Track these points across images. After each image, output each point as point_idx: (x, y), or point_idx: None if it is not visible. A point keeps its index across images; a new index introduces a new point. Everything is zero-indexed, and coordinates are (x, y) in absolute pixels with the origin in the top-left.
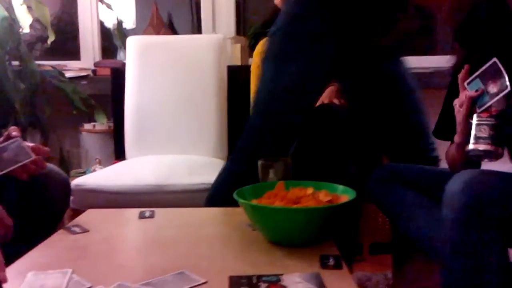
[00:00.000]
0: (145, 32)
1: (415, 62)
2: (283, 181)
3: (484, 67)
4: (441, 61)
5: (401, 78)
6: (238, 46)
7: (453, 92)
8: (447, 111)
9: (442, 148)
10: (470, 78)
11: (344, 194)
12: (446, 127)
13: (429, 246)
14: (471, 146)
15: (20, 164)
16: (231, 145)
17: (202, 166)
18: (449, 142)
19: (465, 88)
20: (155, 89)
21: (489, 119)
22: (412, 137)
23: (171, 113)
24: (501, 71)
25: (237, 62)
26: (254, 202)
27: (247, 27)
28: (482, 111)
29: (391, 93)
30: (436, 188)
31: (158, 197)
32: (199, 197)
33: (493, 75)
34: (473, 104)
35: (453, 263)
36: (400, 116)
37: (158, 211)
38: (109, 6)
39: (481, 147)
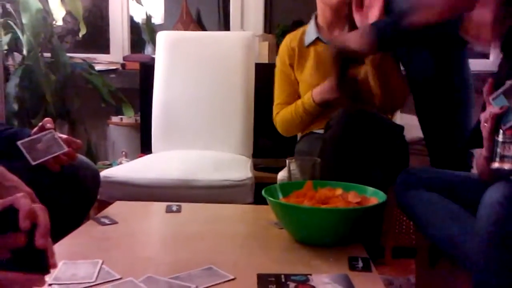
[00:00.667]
0: (174, 27)
1: None
2: (312, 181)
3: (509, 83)
4: (473, 65)
5: (461, 71)
6: (266, 44)
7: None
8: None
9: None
10: (496, 94)
11: (373, 197)
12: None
13: (459, 254)
14: (496, 165)
15: (53, 155)
16: (256, 143)
17: (228, 163)
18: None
19: (490, 103)
20: (183, 84)
21: None
22: (452, 136)
23: (198, 108)
24: None
25: (265, 60)
26: (283, 201)
27: (275, 25)
28: (507, 129)
29: (445, 83)
30: (463, 193)
31: (184, 192)
32: (223, 194)
33: None
34: (498, 121)
35: (487, 277)
36: (446, 111)
37: (185, 205)
38: (138, 1)
39: (507, 166)
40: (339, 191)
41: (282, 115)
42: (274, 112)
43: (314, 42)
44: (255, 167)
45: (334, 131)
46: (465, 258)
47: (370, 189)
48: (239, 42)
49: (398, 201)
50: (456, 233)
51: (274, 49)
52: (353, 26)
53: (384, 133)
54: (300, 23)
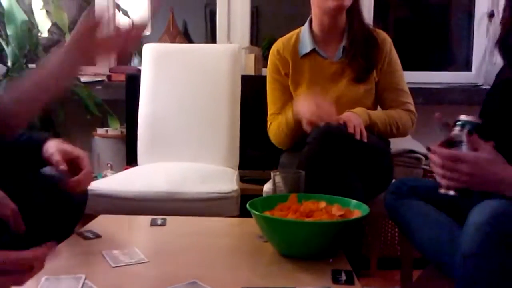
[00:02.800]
0: (160, 39)
1: (429, 78)
2: (296, 194)
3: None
4: (456, 77)
5: None
6: (252, 56)
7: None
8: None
9: None
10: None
11: (357, 209)
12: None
13: (445, 262)
14: (442, 190)
15: None
16: (243, 155)
17: (213, 175)
18: None
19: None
20: (169, 96)
21: None
22: None
23: (184, 120)
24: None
25: (251, 72)
26: (267, 214)
27: (261, 37)
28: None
29: None
30: (453, 204)
31: (170, 205)
32: (209, 206)
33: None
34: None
35: None
36: None
37: (170, 219)
38: (125, 13)
39: (451, 192)
40: (323, 204)
41: (273, 127)
42: (268, 123)
43: (309, 54)
44: (242, 179)
45: (310, 148)
46: (451, 267)
47: (354, 201)
48: (225, 54)
49: (388, 210)
50: (443, 242)
51: (260, 61)
52: (353, 36)
53: (364, 150)
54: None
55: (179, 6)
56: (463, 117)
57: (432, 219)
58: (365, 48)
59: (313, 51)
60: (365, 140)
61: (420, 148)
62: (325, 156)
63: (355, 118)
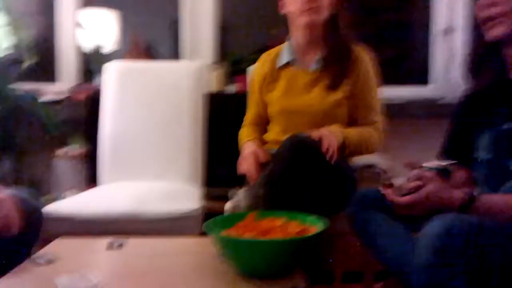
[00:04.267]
0: (124, 57)
1: (389, 93)
2: (254, 212)
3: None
4: (415, 92)
5: None
6: (219, 72)
7: (463, 113)
8: (456, 134)
9: None
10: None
11: (316, 225)
12: (455, 150)
13: (406, 275)
14: None
15: None
16: (210, 171)
17: (176, 194)
18: None
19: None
20: (131, 114)
21: None
22: None
23: (147, 139)
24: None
25: (216, 89)
26: (224, 233)
27: (228, 53)
28: None
29: None
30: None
31: (131, 225)
32: (171, 226)
33: None
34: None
35: None
36: None
37: (129, 240)
38: (87, 30)
39: None
40: (280, 222)
41: (241, 132)
42: (244, 121)
43: (286, 65)
44: (210, 196)
45: (278, 162)
46: (410, 278)
47: (313, 217)
48: (188, 71)
49: (349, 222)
50: (402, 253)
51: (225, 78)
52: (329, 48)
53: (326, 167)
54: (265, 50)
55: (144, 23)
56: (427, 165)
57: (392, 230)
58: (340, 59)
59: (290, 62)
60: (332, 163)
61: (380, 162)
62: (293, 169)
63: (331, 138)
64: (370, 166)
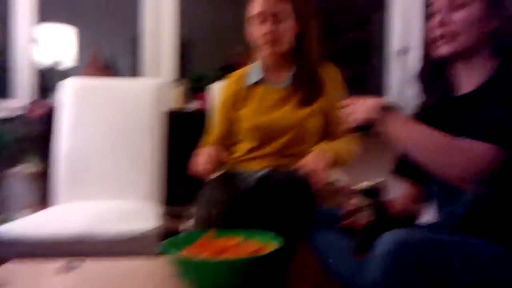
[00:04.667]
0: (84, 73)
1: None
2: (213, 231)
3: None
4: None
5: None
6: (180, 89)
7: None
8: None
9: None
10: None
11: (272, 243)
12: (407, 164)
13: None
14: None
15: None
16: (170, 189)
17: (134, 213)
18: None
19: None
20: (90, 132)
21: None
22: None
23: (105, 157)
24: None
25: (178, 106)
26: (181, 253)
27: (190, 70)
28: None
29: None
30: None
31: (87, 246)
32: (129, 246)
33: None
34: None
35: None
36: None
37: (84, 262)
38: (43, 46)
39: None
40: (237, 240)
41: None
42: (205, 141)
43: (257, 84)
44: (170, 215)
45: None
46: None
47: (272, 235)
48: (149, 89)
49: (308, 240)
50: (356, 270)
51: (188, 95)
52: (298, 66)
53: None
54: (228, 68)
55: (105, 39)
56: (362, 184)
57: (346, 248)
58: (310, 76)
59: (261, 80)
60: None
61: (340, 178)
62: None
63: (319, 164)
64: (332, 182)
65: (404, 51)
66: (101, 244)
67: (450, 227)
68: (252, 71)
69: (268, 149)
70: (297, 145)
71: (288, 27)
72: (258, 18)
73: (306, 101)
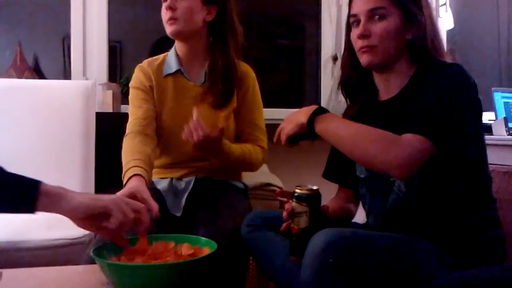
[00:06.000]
0: (6, 74)
1: (284, 115)
2: (146, 236)
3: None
4: None
5: None
6: (110, 92)
7: None
8: (335, 154)
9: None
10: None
11: (206, 247)
12: (335, 169)
13: None
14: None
15: None
16: (98, 193)
17: (63, 219)
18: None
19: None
20: (14, 136)
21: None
22: None
23: (33, 161)
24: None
25: (109, 108)
26: (114, 259)
27: (124, 73)
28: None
29: None
30: None
31: (11, 256)
32: (58, 254)
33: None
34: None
35: None
36: None
37: (7, 272)
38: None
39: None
40: (171, 245)
41: (125, 146)
42: (127, 131)
43: (173, 74)
44: None
45: None
46: None
47: (203, 239)
48: (77, 91)
49: (244, 242)
50: (293, 272)
51: (119, 98)
52: (211, 62)
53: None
54: None
55: (30, 38)
56: (298, 190)
57: (283, 249)
58: (225, 75)
59: (177, 71)
60: None
61: (276, 181)
62: None
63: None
64: (267, 185)
65: (334, 58)
66: (27, 253)
67: (379, 226)
68: (169, 60)
69: (177, 155)
70: None
71: (191, 6)
72: None
73: (220, 105)
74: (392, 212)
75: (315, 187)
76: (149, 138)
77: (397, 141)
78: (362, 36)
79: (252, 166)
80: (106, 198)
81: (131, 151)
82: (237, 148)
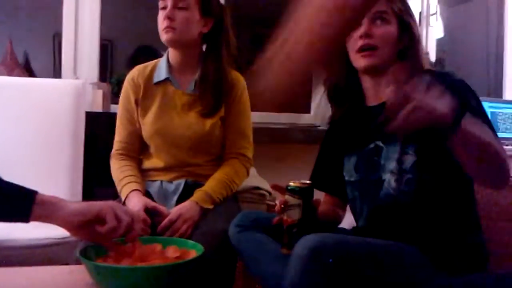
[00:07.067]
0: None
1: (275, 118)
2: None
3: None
4: (298, 118)
5: None
6: (100, 92)
7: (329, 140)
8: (323, 160)
9: None
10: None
11: (193, 249)
12: (322, 176)
13: None
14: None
15: None
16: (86, 192)
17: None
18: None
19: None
20: (3, 134)
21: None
22: None
23: (22, 160)
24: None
25: (99, 108)
26: (100, 260)
27: (115, 73)
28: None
29: None
30: None
31: None
32: (44, 253)
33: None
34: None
35: None
36: None
37: None
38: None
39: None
40: (158, 247)
41: (113, 163)
42: (113, 148)
43: (163, 82)
44: None
45: None
46: None
47: (190, 242)
48: (67, 90)
49: (232, 243)
50: (280, 275)
51: (109, 97)
52: (203, 70)
53: None
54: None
55: (20, 35)
56: (291, 184)
57: (271, 252)
58: (215, 85)
59: (167, 79)
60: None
61: (264, 184)
62: None
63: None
64: (255, 188)
65: None
66: (13, 252)
67: (366, 225)
68: (160, 68)
69: (167, 159)
70: (197, 157)
71: (189, 17)
72: (161, 3)
73: (209, 114)
74: (381, 207)
75: (308, 181)
76: (133, 158)
77: (501, 161)
78: (365, 35)
79: (237, 187)
80: (100, 203)
81: (121, 170)
82: (221, 192)
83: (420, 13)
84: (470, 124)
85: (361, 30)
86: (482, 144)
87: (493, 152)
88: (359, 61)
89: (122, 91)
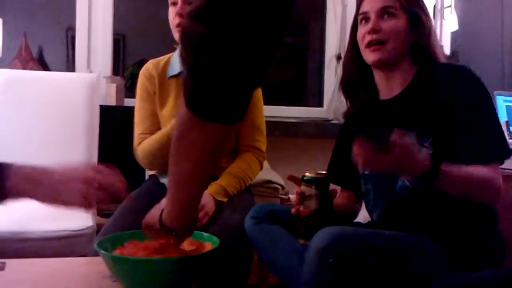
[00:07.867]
0: (10, 65)
1: (286, 112)
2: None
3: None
4: (310, 112)
5: None
6: (114, 86)
7: (344, 134)
8: (338, 154)
9: None
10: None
11: (209, 242)
12: (338, 170)
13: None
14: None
15: None
16: None
17: (66, 211)
18: None
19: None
20: (17, 127)
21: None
22: None
23: (36, 153)
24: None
25: (112, 102)
26: (117, 252)
27: (124, 66)
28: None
29: None
30: None
31: (14, 246)
32: (61, 245)
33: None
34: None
35: None
36: None
37: (11, 262)
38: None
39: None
40: (171, 240)
41: (144, 146)
42: (136, 142)
43: (177, 75)
44: (104, 213)
45: None
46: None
47: (206, 234)
48: (82, 84)
49: (247, 235)
50: (295, 267)
51: (122, 91)
52: None
53: None
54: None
55: (35, 29)
56: (307, 174)
57: (286, 244)
58: None
59: (181, 73)
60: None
61: (277, 178)
62: None
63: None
64: (268, 182)
65: (338, 57)
66: (31, 243)
67: (382, 218)
68: (174, 61)
69: None
70: None
71: None
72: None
73: None
74: (398, 200)
75: (324, 172)
76: None
77: (488, 185)
78: (373, 30)
79: (251, 180)
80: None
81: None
82: (232, 181)
83: (434, 6)
84: (449, 167)
85: (369, 25)
86: (465, 180)
87: (480, 181)
88: (368, 56)
89: (139, 84)
